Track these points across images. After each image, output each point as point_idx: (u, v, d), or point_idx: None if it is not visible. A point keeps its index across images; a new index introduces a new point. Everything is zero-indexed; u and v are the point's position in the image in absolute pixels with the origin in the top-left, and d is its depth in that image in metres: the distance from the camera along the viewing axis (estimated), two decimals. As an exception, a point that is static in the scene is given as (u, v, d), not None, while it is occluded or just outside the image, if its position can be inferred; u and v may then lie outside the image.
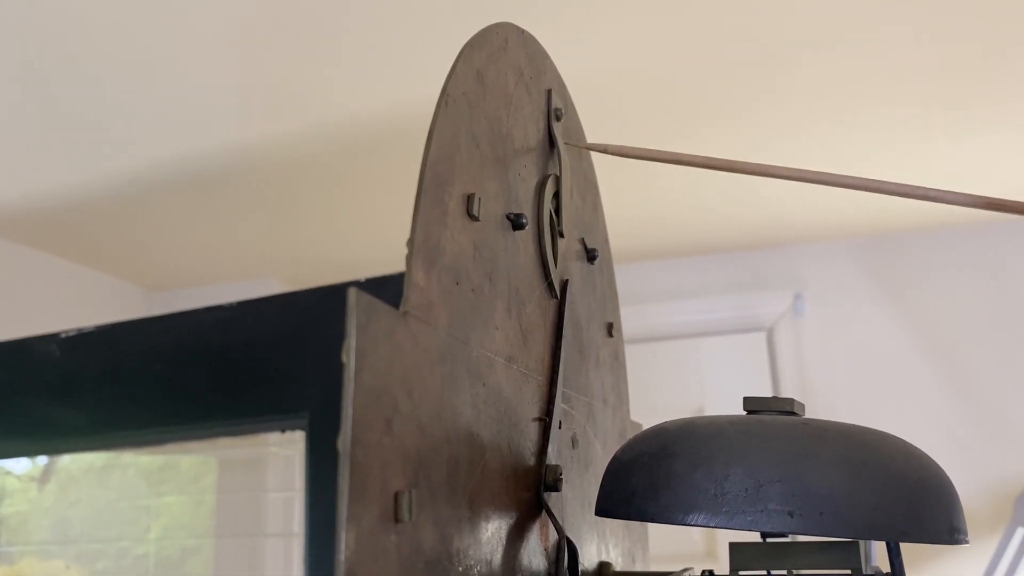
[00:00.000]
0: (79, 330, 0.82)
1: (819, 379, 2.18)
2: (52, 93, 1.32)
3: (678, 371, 2.29)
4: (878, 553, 0.56)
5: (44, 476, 1.05)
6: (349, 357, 0.32)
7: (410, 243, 0.37)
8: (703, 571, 0.56)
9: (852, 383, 2.14)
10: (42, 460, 1.03)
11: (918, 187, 0.46)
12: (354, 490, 0.31)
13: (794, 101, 1.46)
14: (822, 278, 2.23)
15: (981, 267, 2.13)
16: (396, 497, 0.33)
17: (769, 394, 1.38)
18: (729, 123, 1.54)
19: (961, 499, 0.46)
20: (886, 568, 0.51)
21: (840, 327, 2.20)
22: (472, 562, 0.40)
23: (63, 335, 0.82)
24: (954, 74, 1.38)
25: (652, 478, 0.44)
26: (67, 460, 1.04)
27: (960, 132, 1.60)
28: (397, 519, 0.33)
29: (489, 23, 0.48)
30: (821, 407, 2.08)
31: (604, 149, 0.58)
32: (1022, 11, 1.19)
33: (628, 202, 1.89)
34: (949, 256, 2.15)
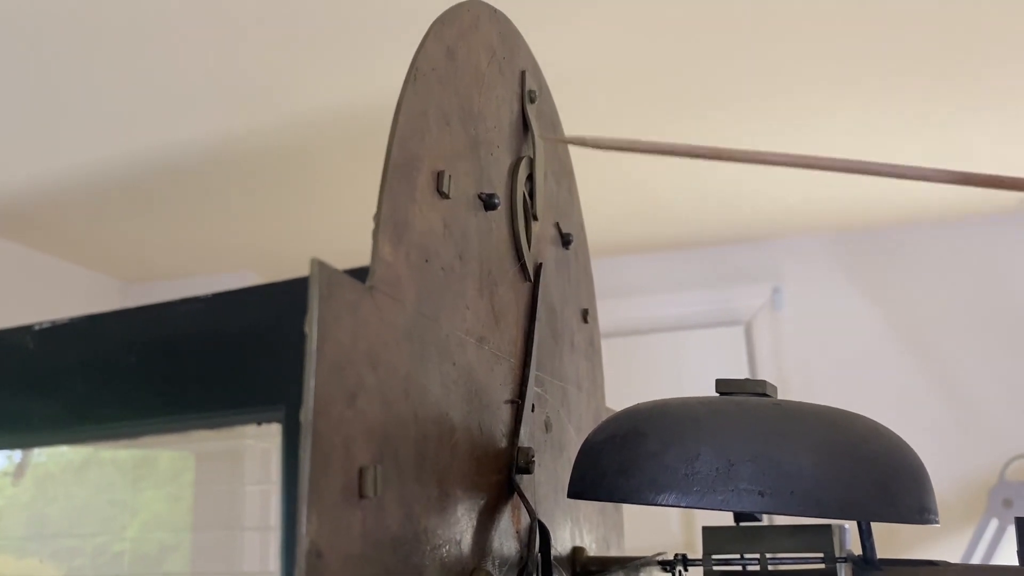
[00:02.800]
0: (53, 322, 0.80)
1: (797, 372, 2.18)
2: (25, 85, 1.31)
3: (656, 365, 2.29)
4: (852, 540, 0.56)
5: (18, 471, 1.03)
6: (311, 329, 0.31)
7: (377, 217, 0.36)
8: (676, 555, 0.56)
9: (830, 376, 2.15)
10: (16, 455, 1.02)
11: (895, 165, 0.46)
12: (317, 464, 0.30)
13: (775, 92, 1.46)
14: (800, 272, 2.24)
15: (957, 260, 2.15)
16: (361, 472, 0.33)
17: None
18: (709, 114, 1.54)
19: (936, 490, 0.46)
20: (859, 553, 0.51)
21: (818, 321, 2.21)
22: (441, 542, 0.40)
23: (37, 327, 0.81)
24: (930, 59, 1.38)
25: (623, 458, 0.44)
26: (44, 456, 1.03)
27: (938, 119, 1.61)
28: (362, 495, 0.33)
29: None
30: (798, 399, 2.09)
31: (582, 142, 0.57)
32: None
33: (606, 195, 1.89)
34: (926, 250, 2.17)
